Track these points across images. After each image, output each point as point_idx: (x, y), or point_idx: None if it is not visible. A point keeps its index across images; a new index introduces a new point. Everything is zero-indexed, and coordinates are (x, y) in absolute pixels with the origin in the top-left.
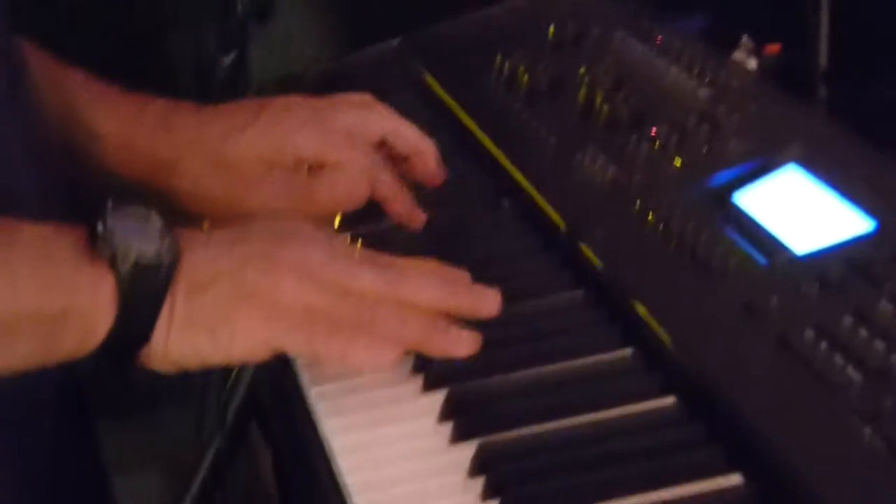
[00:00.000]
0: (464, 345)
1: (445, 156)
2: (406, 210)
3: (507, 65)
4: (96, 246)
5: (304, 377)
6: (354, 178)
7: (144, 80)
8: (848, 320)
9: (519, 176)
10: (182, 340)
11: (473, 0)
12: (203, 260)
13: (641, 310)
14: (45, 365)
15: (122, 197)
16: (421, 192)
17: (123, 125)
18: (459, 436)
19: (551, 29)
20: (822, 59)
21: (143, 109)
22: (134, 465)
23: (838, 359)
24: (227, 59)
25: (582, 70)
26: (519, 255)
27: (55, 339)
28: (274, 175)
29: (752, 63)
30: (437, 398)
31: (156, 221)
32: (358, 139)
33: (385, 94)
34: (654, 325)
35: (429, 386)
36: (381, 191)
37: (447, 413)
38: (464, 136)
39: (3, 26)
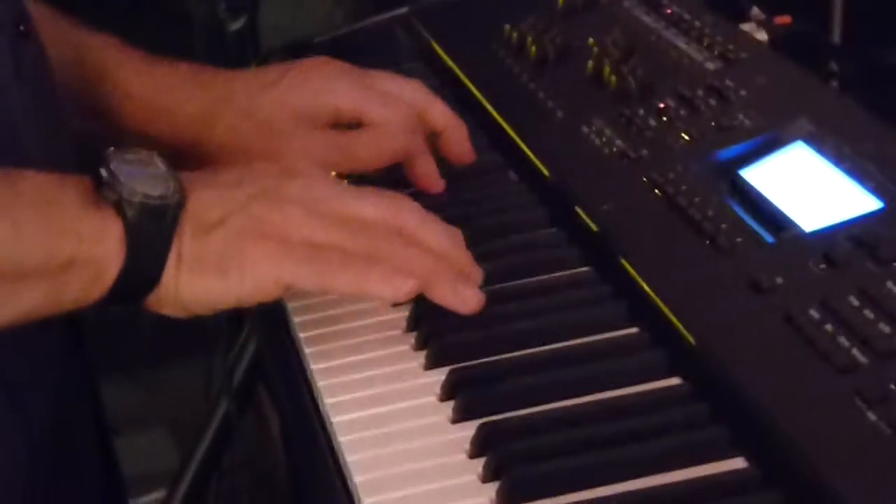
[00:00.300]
0: (470, 299)
1: None
2: (430, 173)
3: (515, 34)
4: (101, 192)
5: (307, 351)
6: (396, 136)
7: (156, 45)
8: (854, 300)
9: (525, 147)
10: (192, 281)
11: None
12: (209, 199)
13: (647, 287)
14: (54, 313)
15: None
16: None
17: (155, 86)
18: (460, 416)
19: None
20: (836, 32)
21: (172, 70)
22: (140, 424)
23: (843, 340)
24: (237, 25)
25: (591, 40)
26: (524, 227)
27: (63, 287)
28: (310, 129)
29: (763, 35)
30: (439, 376)
31: (159, 164)
32: (396, 99)
33: (393, 63)
34: (659, 302)
35: (431, 364)
36: (412, 150)
37: (448, 392)
38: (471, 105)
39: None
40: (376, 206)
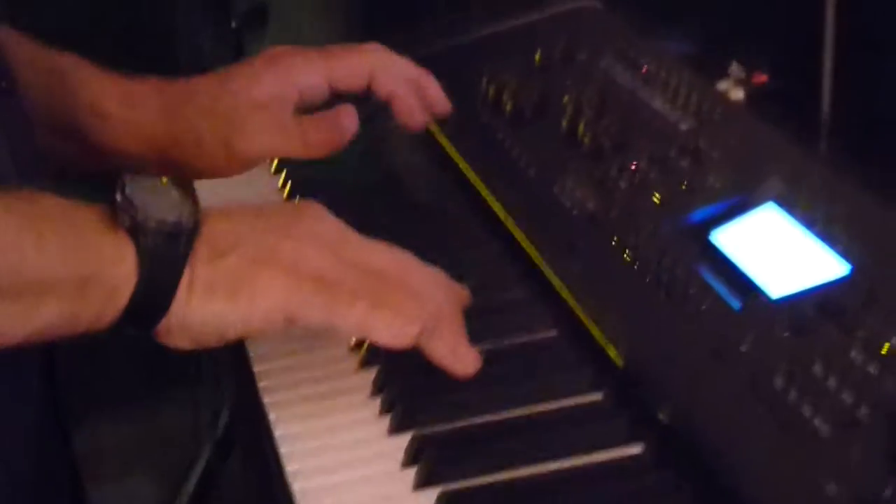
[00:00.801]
0: (466, 358)
1: (425, 180)
2: (412, 110)
3: (492, 88)
4: (116, 215)
5: (272, 416)
6: (342, 114)
7: None
8: (818, 368)
9: (496, 204)
10: (202, 307)
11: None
12: (224, 227)
13: (612, 352)
14: (69, 334)
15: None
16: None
17: (123, 101)
18: (422, 481)
19: (538, 53)
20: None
21: (140, 84)
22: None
23: (807, 408)
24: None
25: (566, 96)
26: (492, 287)
27: (79, 306)
28: (265, 120)
29: (740, 93)
30: (403, 441)
31: (174, 191)
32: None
33: (368, 118)
34: (624, 368)
35: (395, 429)
36: (387, 89)
37: (412, 457)
38: (444, 160)
39: None
40: (384, 256)
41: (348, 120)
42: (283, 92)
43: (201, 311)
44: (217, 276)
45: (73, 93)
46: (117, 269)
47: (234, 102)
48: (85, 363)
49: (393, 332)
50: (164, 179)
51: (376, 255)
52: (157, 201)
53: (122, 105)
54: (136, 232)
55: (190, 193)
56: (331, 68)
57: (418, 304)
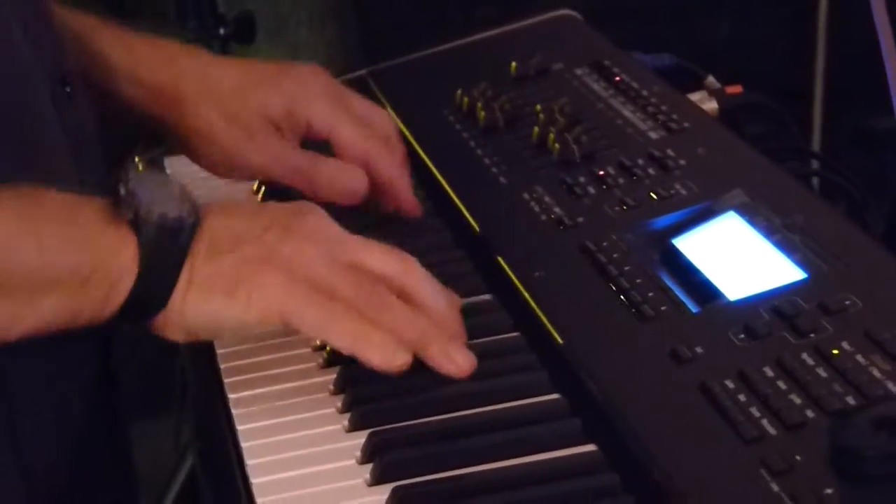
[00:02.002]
0: (462, 362)
1: None
2: (407, 199)
3: (466, 99)
4: (119, 209)
5: (235, 412)
6: (355, 178)
7: None
8: (769, 371)
9: (465, 212)
10: (199, 302)
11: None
12: (225, 224)
13: (570, 354)
14: (70, 327)
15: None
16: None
17: (134, 62)
18: (377, 478)
19: (513, 64)
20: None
21: (157, 46)
22: None
23: (755, 410)
24: None
25: (538, 107)
26: (458, 290)
27: (80, 299)
28: (281, 144)
29: (713, 104)
30: (361, 438)
31: (175, 187)
32: (368, 126)
33: None
34: (582, 370)
35: (353, 427)
36: (384, 179)
37: (368, 455)
38: (419, 169)
39: None
40: (382, 260)
41: (358, 184)
42: (296, 119)
43: (197, 306)
44: (216, 273)
45: (89, 51)
46: (118, 261)
47: (253, 113)
48: None
49: (382, 359)
50: (167, 176)
51: (375, 257)
52: (160, 196)
53: (130, 60)
54: (137, 225)
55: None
56: (340, 122)
57: (411, 317)
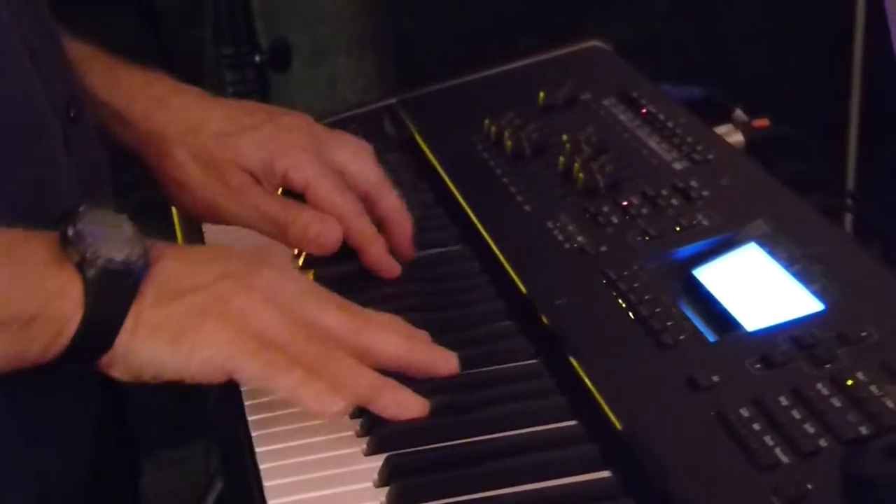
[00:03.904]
0: (412, 408)
1: (424, 215)
2: (379, 261)
3: (493, 128)
4: (66, 249)
5: (254, 434)
6: (328, 230)
7: None
8: (785, 400)
9: (490, 240)
10: (143, 347)
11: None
12: (176, 270)
13: (588, 381)
14: (15, 369)
15: (95, 202)
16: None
17: (122, 96)
18: (395, 501)
19: (542, 94)
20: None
21: (147, 84)
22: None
23: (769, 439)
24: None
25: (565, 136)
26: (481, 319)
27: (25, 342)
28: (256, 192)
29: (738, 137)
30: (379, 462)
31: (127, 228)
32: (345, 184)
33: (376, 153)
34: (599, 397)
35: (372, 450)
36: (355, 239)
37: (385, 478)
38: (445, 197)
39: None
40: (336, 317)
41: (332, 238)
42: (274, 171)
43: (141, 351)
44: (162, 319)
45: (80, 80)
46: (62, 304)
47: (233, 162)
48: None
49: (319, 407)
50: (120, 216)
51: (327, 314)
52: (108, 238)
53: (118, 94)
54: (83, 267)
55: (143, 233)
56: (318, 180)
57: (355, 372)
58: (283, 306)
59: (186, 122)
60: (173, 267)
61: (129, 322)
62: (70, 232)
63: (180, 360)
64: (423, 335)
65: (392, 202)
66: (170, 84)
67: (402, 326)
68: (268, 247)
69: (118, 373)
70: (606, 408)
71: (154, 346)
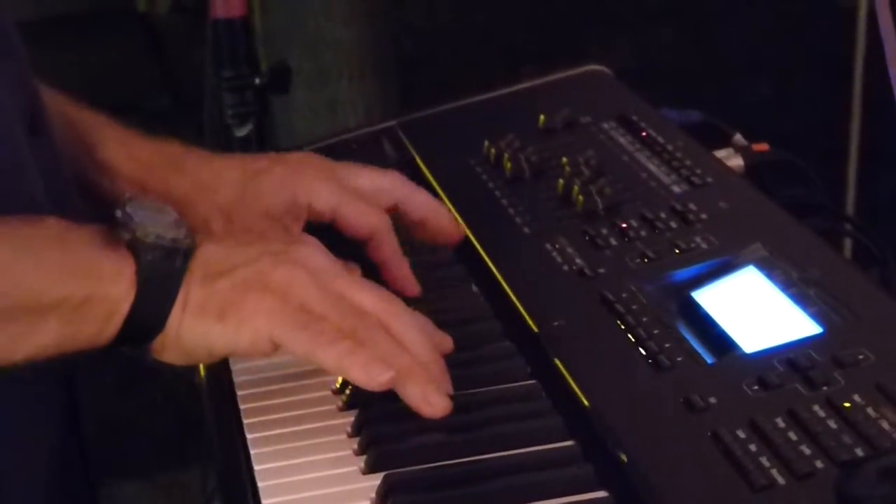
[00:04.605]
0: (435, 406)
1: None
2: (404, 278)
3: (493, 150)
4: (115, 232)
5: (253, 452)
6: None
7: None
8: (781, 422)
9: (488, 261)
10: (194, 326)
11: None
12: (219, 252)
13: (585, 401)
14: (69, 353)
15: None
16: None
17: (139, 166)
18: None
19: (542, 117)
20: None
21: (159, 151)
22: None
23: (765, 459)
24: (243, 132)
25: (564, 159)
26: (479, 340)
27: (79, 325)
28: (283, 230)
29: (738, 160)
30: (377, 481)
31: (172, 213)
32: (371, 200)
33: None
34: (596, 419)
35: (370, 469)
36: (385, 255)
37: (383, 497)
38: None
39: (23, 62)
40: (372, 297)
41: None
42: (298, 207)
43: (192, 329)
44: (209, 297)
45: (88, 146)
46: (115, 286)
47: (253, 212)
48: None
49: (366, 376)
50: (164, 203)
51: (364, 293)
52: (156, 220)
53: (132, 167)
54: (135, 247)
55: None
56: (342, 205)
57: (395, 351)
58: (323, 281)
59: (202, 181)
60: (216, 249)
61: (179, 301)
62: (119, 214)
63: (229, 336)
64: (446, 342)
65: (421, 198)
66: (179, 148)
67: (429, 327)
68: (302, 233)
69: (171, 356)
70: (602, 428)
71: (203, 324)
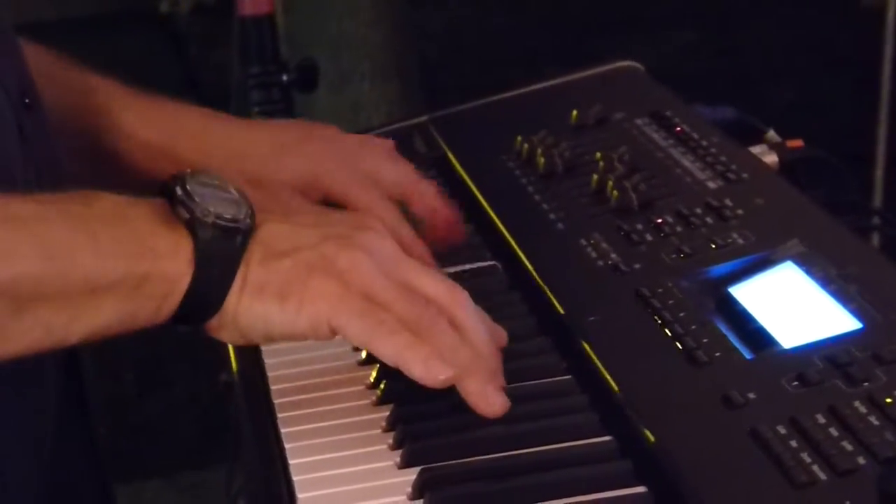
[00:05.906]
0: (493, 405)
1: None
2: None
3: (525, 146)
4: (175, 210)
5: (288, 447)
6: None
7: None
8: (821, 418)
9: (522, 256)
10: (252, 306)
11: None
12: (281, 230)
13: (621, 397)
14: (126, 331)
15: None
16: None
17: (162, 133)
18: None
19: (574, 112)
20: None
21: (183, 116)
22: None
23: (805, 456)
24: None
25: (598, 155)
26: (512, 335)
27: (136, 303)
28: (303, 201)
29: (773, 157)
30: (412, 475)
31: (233, 190)
32: (380, 188)
33: None
34: (633, 414)
35: (405, 463)
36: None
37: (418, 491)
38: (478, 215)
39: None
40: (436, 286)
41: None
42: (318, 185)
43: (250, 310)
44: (269, 277)
45: (102, 113)
46: (173, 263)
47: (277, 181)
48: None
49: (427, 371)
50: (224, 180)
51: (429, 281)
52: (217, 198)
53: (151, 130)
54: (193, 226)
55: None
56: (352, 186)
57: (457, 345)
58: (387, 268)
59: (231, 149)
60: (278, 228)
61: (237, 280)
62: (179, 191)
63: (289, 318)
64: (502, 335)
65: (429, 194)
66: (203, 113)
67: (488, 319)
68: (364, 215)
69: (227, 336)
70: (640, 424)
71: (262, 304)
